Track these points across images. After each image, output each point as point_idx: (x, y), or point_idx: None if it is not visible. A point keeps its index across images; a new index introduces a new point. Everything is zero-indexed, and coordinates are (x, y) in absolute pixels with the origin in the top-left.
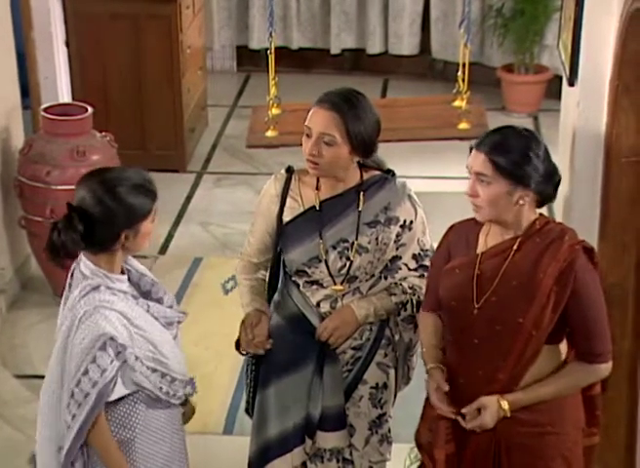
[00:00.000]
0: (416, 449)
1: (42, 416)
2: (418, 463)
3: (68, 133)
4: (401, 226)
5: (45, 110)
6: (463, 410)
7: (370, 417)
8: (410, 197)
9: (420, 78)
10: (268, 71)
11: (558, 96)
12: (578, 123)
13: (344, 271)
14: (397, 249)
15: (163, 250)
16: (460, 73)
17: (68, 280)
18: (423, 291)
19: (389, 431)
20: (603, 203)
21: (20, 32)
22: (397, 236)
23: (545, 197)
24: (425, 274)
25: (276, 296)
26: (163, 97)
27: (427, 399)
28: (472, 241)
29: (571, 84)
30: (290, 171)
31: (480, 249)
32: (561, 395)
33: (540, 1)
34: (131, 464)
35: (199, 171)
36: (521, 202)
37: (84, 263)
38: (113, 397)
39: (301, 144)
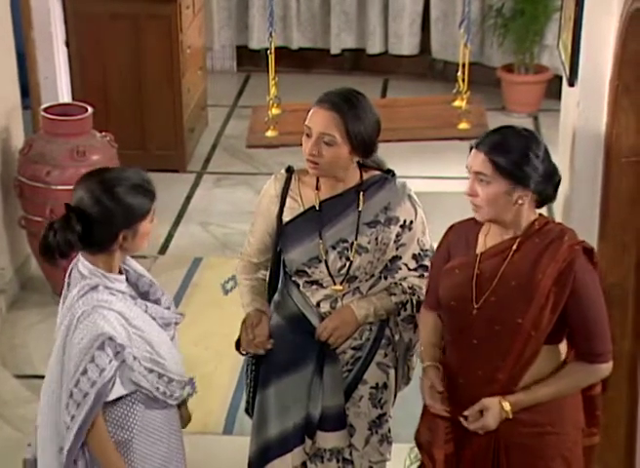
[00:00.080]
0: (416, 449)
1: (42, 417)
2: (418, 463)
3: (68, 133)
4: (401, 226)
5: (45, 110)
6: (466, 413)
7: (370, 417)
8: (410, 197)
9: (420, 78)
10: (268, 71)
11: (558, 96)
12: (578, 123)
13: (344, 271)
14: (397, 249)
15: (163, 250)
16: (459, 73)
17: (66, 279)
18: (423, 291)
19: (389, 431)
20: (603, 203)
21: (20, 32)
22: (397, 236)
23: (545, 197)
24: (425, 274)
25: (276, 296)
26: (163, 97)
27: None
28: (472, 241)
29: (571, 84)
30: (290, 171)
31: (480, 249)
32: (562, 395)
33: (540, 1)
34: (128, 465)
35: (199, 171)
36: (520, 202)
37: (82, 263)
38: (111, 397)
39: (301, 144)
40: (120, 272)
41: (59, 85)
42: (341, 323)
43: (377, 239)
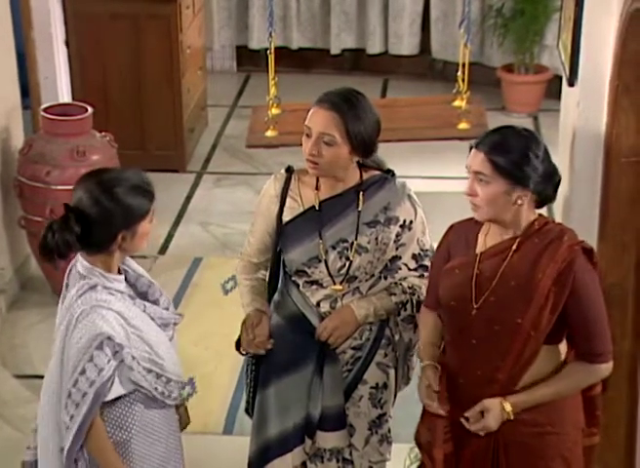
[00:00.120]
0: (416, 449)
1: (43, 416)
2: (417, 463)
3: (68, 133)
4: (401, 226)
5: (45, 110)
6: (466, 414)
7: (370, 417)
8: (409, 197)
9: (420, 78)
10: (268, 71)
11: (558, 96)
12: (578, 123)
13: (344, 271)
14: (397, 249)
15: (163, 250)
16: (459, 73)
17: (65, 279)
18: (423, 290)
19: (389, 431)
20: (603, 203)
21: (20, 32)
22: (397, 236)
23: (545, 197)
24: (425, 274)
25: (276, 296)
26: (163, 98)
27: None
28: (472, 241)
29: (571, 84)
30: (289, 171)
31: (479, 249)
32: (562, 396)
33: (540, 1)
34: (127, 465)
35: (199, 171)
36: (519, 202)
37: (81, 263)
38: (110, 396)
39: (301, 144)
40: (119, 272)
41: (58, 85)
42: (341, 323)
43: (376, 239)
